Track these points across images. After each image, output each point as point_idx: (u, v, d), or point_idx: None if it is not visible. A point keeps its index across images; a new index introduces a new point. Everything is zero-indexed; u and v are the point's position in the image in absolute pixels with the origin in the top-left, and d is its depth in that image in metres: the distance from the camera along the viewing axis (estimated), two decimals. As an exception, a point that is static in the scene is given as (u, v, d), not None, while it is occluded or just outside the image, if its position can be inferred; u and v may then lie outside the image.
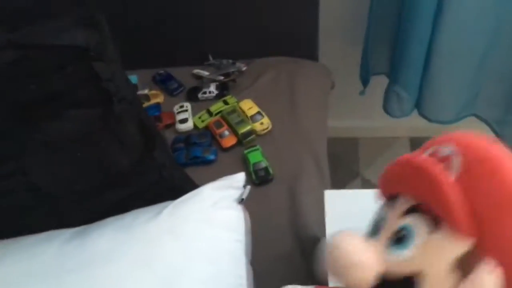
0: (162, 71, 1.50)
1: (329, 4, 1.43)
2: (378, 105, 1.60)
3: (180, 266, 0.71)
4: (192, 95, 1.40)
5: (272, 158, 1.19)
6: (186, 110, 1.34)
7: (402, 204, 0.48)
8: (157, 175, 0.88)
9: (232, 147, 1.24)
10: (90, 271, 0.70)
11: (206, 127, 1.31)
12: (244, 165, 1.20)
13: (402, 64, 1.39)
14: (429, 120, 1.49)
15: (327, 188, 1.03)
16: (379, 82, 1.54)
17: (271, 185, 1.15)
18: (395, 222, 0.48)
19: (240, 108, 1.31)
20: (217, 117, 1.31)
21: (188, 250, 0.72)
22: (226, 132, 1.26)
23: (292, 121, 1.28)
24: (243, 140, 1.23)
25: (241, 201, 0.82)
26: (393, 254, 0.46)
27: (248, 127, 1.24)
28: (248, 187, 0.84)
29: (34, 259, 0.73)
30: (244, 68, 1.42)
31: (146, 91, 1.42)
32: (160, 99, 1.42)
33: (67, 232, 0.77)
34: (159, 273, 0.69)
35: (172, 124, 1.33)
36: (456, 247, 0.43)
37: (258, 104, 1.31)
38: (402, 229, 0.47)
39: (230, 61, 1.45)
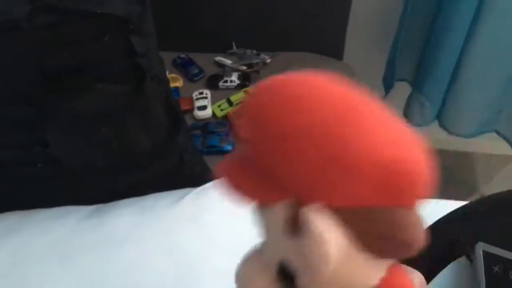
0: (183, 55, 1.47)
1: (361, 3, 1.40)
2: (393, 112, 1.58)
3: (199, 255, 0.68)
4: (212, 83, 1.37)
5: (290, 154, 1.16)
6: (206, 97, 1.31)
7: None
8: (178, 160, 0.86)
9: (250, 139, 1.21)
10: (106, 252, 0.67)
11: (225, 117, 1.28)
12: (261, 159, 1.17)
13: (429, 73, 1.36)
14: (449, 132, 1.47)
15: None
16: (399, 89, 1.51)
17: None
18: None
19: (262, 100, 1.28)
20: (238, 107, 1.28)
21: (208, 240, 0.70)
22: (245, 124, 1.23)
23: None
24: (262, 134, 1.20)
25: (264, 195, 0.80)
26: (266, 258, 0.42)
27: (268, 121, 1.21)
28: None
29: (48, 234, 0.70)
30: (268, 60, 1.39)
31: (165, 74, 1.39)
32: (179, 83, 1.39)
33: (84, 210, 0.74)
34: (177, 261, 0.67)
35: (190, 110, 1.30)
36: (276, 214, 0.36)
37: (279, 98, 1.28)
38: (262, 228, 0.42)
39: (254, 51, 1.42)
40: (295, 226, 0.35)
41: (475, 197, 1.66)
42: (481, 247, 0.58)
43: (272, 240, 0.40)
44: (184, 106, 1.29)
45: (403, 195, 0.37)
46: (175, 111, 0.85)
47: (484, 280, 0.56)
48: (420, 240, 0.38)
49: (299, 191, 0.35)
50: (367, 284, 0.40)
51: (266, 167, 0.35)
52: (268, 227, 0.39)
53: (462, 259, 0.66)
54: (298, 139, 0.34)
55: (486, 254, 0.58)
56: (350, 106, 0.35)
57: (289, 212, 0.35)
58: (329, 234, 0.33)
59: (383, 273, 0.41)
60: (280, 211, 0.36)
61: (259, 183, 0.36)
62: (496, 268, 0.56)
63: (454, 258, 0.65)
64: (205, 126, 1.24)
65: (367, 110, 0.35)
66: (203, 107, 1.29)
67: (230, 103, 1.29)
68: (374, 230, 0.36)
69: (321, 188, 0.34)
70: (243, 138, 0.38)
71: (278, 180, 0.35)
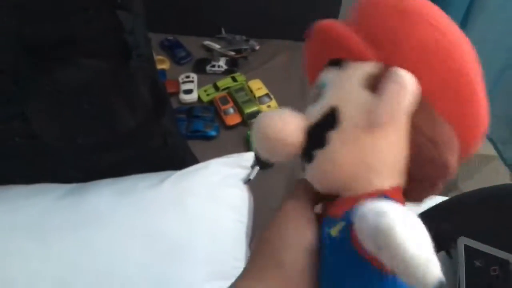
0: (171, 37, 1.44)
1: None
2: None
3: (180, 239, 0.67)
4: (199, 67, 1.35)
5: (275, 143, 1.15)
6: (192, 81, 1.29)
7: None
8: (161, 142, 0.84)
9: (235, 125, 1.20)
10: (84, 231, 0.66)
11: (211, 102, 1.26)
12: (245, 145, 1.16)
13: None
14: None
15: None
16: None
17: (270, 171, 1.11)
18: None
19: (249, 87, 1.26)
20: (224, 92, 1.26)
21: (189, 224, 0.68)
22: (231, 110, 1.21)
23: (300, 109, 1.24)
24: (248, 121, 1.19)
25: (247, 181, 0.79)
26: (313, 108, 0.44)
27: (255, 108, 1.20)
28: (257, 168, 0.80)
29: (24, 211, 0.68)
30: (257, 47, 1.38)
31: (152, 55, 1.36)
32: (166, 65, 1.36)
33: (62, 188, 0.72)
34: (158, 244, 0.65)
35: (176, 93, 1.27)
36: (361, 68, 0.41)
37: (267, 86, 1.27)
38: (319, 85, 0.45)
39: (244, 37, 1.40)
40: (373, 82, 0.40)
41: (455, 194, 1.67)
42: (463, 242, 0.58)
43: (337, 90, 0.42)
44: (170, 89, 1.27)
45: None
46: (160, 92, 0.83)
47: (464, 274, 0.56)
48: (453, 170, 0.42)
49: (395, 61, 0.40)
50: (390, 164, 0.41)
51: (373, 37, 0.40)
52: (341, 79, 0.42)
53: (442, 254, 0.66)
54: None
55: (468, 249, 0.58)
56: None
57: (375, 70, 0.40)
58: (413, 83, 0.38)
59: (398, 180, 0.42)
60: (364, 67, 0.41)
61: (360, 41, 0.40)
62: (478, 263, 0.56)
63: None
64: (190, 110, 1.22)
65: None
66: (189, 91, 1.27)
67: (216, 88, 1.27)
68: (430, 131, 0.40)
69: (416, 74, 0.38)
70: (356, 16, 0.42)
71: (381, 49, 0.40)
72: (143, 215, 0.67)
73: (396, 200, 0.41)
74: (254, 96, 1.23)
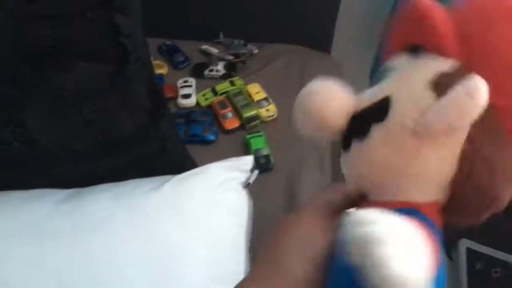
0: (169, 42, 1.44)
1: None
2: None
3: (179, 244, 0.66)
4: (197, 71, 1.35)
5: (274, 147, 1.15)
6: (190, 86, 1.29)
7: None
8: (160, 146, 0.83)
9: (234, 130, 1.20)
10: (82, 236, 0.66)
11: (209, 106, 1.25)
12: (244, 150, 1.15)
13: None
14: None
15: (327, 185, 0.99)
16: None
17: (270, 174, 1.10)
18: None
19: (247, 91, 1.26)
20: (222, 97, 1.26)
21: (188, 228, 0.68)
22: (230, 114, 1.21)
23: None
24: (247, 125, 1.19)
25: (247, 185, 0.78)
26: (369, 91, 0.40)
27: (253, 112, 1.20)
28: (256, 171, 0.80)
29: (22, 216, 0.68)
30: (255, 51, 1.37)
31: (150, 60, 1.36)
32: (164, 70, 1.36)
33: (61, 192, 0.72)
34: (157, 249, 0.65)
35: (174, 98, 1.27)
36: (434, 65, 0.36)
37: (265, 89, 1.26)
38: (386, 69, 0.40)
39: (242, 42, 1.40)
40: (442, 84, 0.34)
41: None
42: (464, 244, 0.58)
43: (399, 80, 0.38)
44: (168, 94, 1.26)
45: None
46: (158, 96, 0.83)
47: (466, 277, 0.56)
48: (503, 204, 0.36)
49: (476, 64, 0.34)
50: (434, 181, 0.36)
51: (462, 30, 0.35)
52: (409, 69, 0.38)
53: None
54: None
55: (470, 251, 0.57)
56: None
57: (449, 70, 0.35)
58: (485, 95, 0.31)
59: (436, 196, 0.37)
60: (438, 65, 0.36)
61: (449, 33, 0.36)
62: (479, 265, 0.56)
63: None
64: (188, 114, 1.22)
65: None
66: (188, 95, 1.26)
67: (214, 92, 1.27)
68: (491, 153, 0.34)
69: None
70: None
71: (463, 43, 0.35)
72: (142, 220, 0.67)
73: (428, 216, 0.36)
74: (253, 100, 1.23)
